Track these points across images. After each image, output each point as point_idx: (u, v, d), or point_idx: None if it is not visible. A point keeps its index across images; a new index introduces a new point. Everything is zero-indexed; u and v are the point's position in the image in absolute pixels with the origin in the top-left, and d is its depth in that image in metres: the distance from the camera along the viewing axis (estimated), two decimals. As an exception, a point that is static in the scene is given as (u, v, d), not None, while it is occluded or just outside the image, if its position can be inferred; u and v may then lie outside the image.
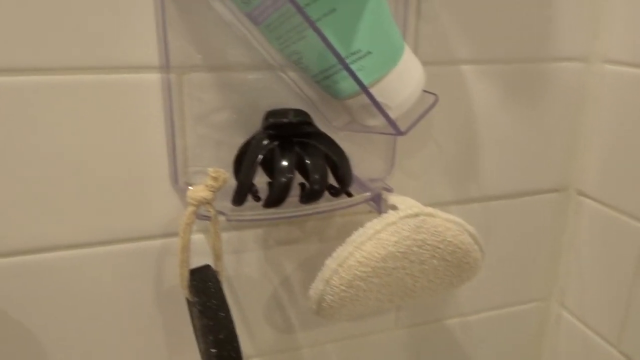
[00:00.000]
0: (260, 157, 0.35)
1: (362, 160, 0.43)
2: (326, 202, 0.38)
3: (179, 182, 0.38)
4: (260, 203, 0.36)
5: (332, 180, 0.38)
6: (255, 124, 0.39)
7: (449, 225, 0.36)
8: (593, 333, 0.52)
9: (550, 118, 0.49)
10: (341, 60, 0.31)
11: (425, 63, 0.37)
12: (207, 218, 0.35)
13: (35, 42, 0.33)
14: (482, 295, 0.54)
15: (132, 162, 0.37)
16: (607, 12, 0.46)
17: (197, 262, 0.37)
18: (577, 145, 0.51)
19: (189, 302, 0.37)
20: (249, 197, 0.36)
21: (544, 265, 0.55)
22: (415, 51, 0.41)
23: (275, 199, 0.35)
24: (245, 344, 0.46)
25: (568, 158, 0.51)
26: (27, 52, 0.33)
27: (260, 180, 0.37)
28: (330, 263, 0.35)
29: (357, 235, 0.35)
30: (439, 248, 0.36)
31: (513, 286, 0.55)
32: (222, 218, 0.36)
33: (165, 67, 0.36)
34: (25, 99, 0.34)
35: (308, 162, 0.35)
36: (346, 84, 0.34)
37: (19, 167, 0.35)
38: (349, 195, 0.38)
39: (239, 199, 0.35)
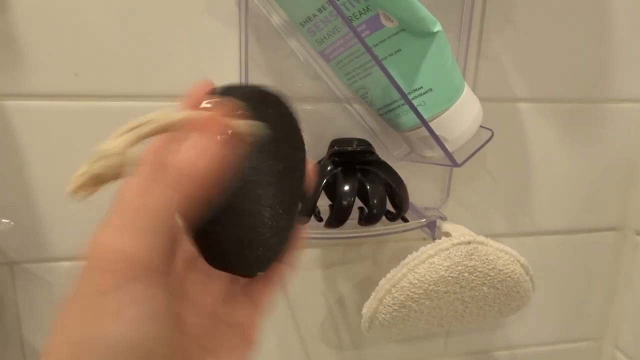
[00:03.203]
0: (325, 181, 0.38)
1: (419, 189, 0.45)
2: (383, 226, 0.40)
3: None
4: (322, 223, 0.39)
5: (389, 207, 0.41)
6: (321, 151, 0.42)
7: (501, 254, 0.38)
8: (648, 377, 0.51)
9: (608, 157, 0.49)
10: (404, 96, 0.34)
11: (483, 99, 0.40)
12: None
13: (136, 72, 0.38)
14: (532, 329, 0.54)
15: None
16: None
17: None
18: (635, 185, 0.51)
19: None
20: (312, 218, 0.39)
21: (597, 304, 0.55)
22: (474, 88, 0.44)
23: (337, 219, 0.38)
24: (299, 359, 0.49)
25: (626, 197, 0.51)
26: (128, 80, 0.38)
27: (323, 202, 0.40)
28: (385, 283, 0.38)
29: (411, 259, 0.37)
30: (490, 276, 0.37)
31: (565, 323, 0.55)
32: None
33: (244, 96, 0.40)
34: (123, 121, 0.39)
35: (368, 187, 0.38)
36: (407, 118, 0.37)
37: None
38: (405, 220, 0.41)
39: (303, 218, 0.38)
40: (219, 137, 0.18)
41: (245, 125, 0.21)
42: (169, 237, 0.17)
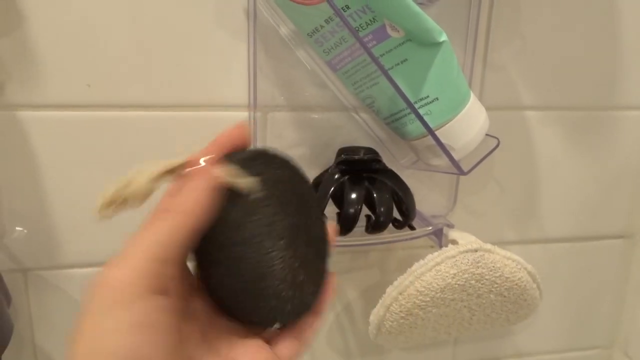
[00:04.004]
0: (332, 189, 0.39)
1: (426, 197, 0.46)
2: (390, 234, 0.40)
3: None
4: (330, 231, 0.39)
5: (396, 214, 0.41)
6: (327, 160, 0.42)
7: (507, 262, 0.38)
8: (659, 386, 0.51)
9: (616, 164, 0.49)
10: (410, 105, 0.35)
11: (490, 108, 0.40)
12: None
13: (147, 83, 0.39)
14: (540, 337, 0.54)
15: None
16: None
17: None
18: (643, 193, 0.51)
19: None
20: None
21: (606, 311, 0.55)
22: (480, 97, 0.44)
23: (344, 227, 0.38)
24: (307, 365, 0.49)
25: (634, 205, 0.51)
26: (140, 91, 0.39)
27: (330, 210, 0.40)
28: (391, 291, 0.38)
29: (418, 266, 0.38)
30: (497, 283, 0.37)
31: (573, 331, 0.55)
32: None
33: (253, 106, 0.40)
34: (135, 131, 0.40)
35: (375, 195, 0.38)
36: (414, 127, 0.38)
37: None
38: (412, 228, 0.41)
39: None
40: (207, 184, 0.22)
41: (242, 180, 0.24)
42: (165, 264, 0.20)
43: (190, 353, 0.22)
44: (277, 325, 0.25)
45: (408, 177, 0.41)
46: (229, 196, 0.24)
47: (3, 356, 0.36)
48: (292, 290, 0.25)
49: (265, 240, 0.24)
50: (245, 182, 0.24)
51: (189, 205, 0.21)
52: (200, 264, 0.25)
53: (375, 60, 0.34)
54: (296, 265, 0.25)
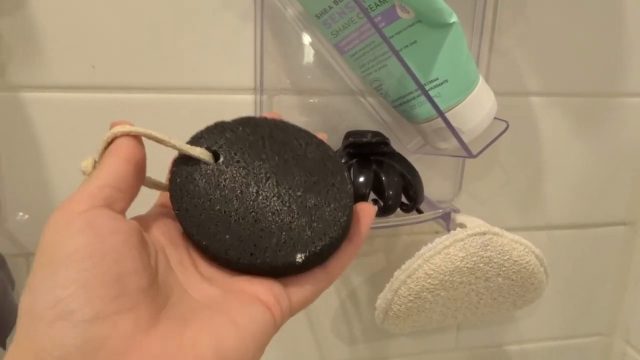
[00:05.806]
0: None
1: (431, 182, 0.46)
2: (397, 217, 0.40)
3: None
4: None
5: (403, 198, 0.41)
6: (334, 144, 0.42)
7: (516, 245, 0.38)
8: (660, 372, 0.51)
9: (620, 151, 0.50)
10: (421, 86, 0.34)
11: (495, 93, 0.40)
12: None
13: (153, 65, 0.38)
14: (543, 323, 0.54)
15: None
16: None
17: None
18: (646, 180, 0.51)
19: None
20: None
21: (608, 298, 0.55)
22: (487, 82, 0.44)
23: (352, 211, 0.38)
24: (311, 352, 0.49)
25: (637, 192, 0.52)
26: (145, 73, 0.38)
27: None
28: (400, 274, 0.38)
29: (426, 249, 0.37)
30: (505, 267, 0.37)
31: (575, 317, 0.55)
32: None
33: (259, 89, 0.40)
34: (140, 113, 0.39)
35: (384, 178, 0.38)
36: (422, 109, 0.37)
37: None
38: (420, 212, 0.41)
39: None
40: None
41: (197, 151, 0.25)
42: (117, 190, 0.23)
43: (170, 278, 0.23)
44: (301, 257, 0.23)
45: (414, 163, 0.41)
46: (193, 169, 0.25)
47: (7, 340, 0.35)
48: (305, 217, 0.24)
49: (248, 188, 0.25)
50: (199, 152, 0.25)
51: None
52: (194, 243, 0.24)
53: (386, 40, 0.34)
54: (299, 193, 0.25)
